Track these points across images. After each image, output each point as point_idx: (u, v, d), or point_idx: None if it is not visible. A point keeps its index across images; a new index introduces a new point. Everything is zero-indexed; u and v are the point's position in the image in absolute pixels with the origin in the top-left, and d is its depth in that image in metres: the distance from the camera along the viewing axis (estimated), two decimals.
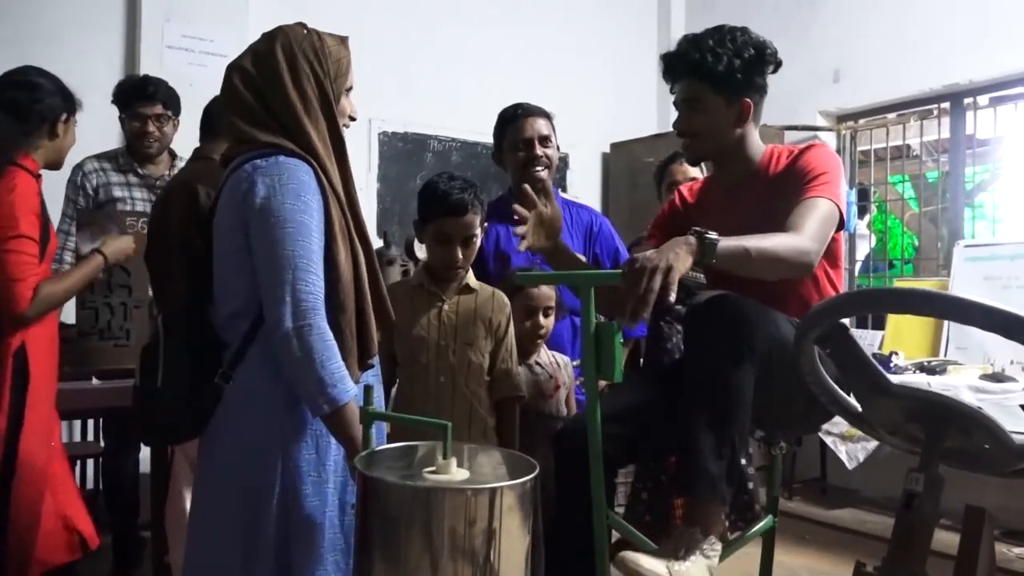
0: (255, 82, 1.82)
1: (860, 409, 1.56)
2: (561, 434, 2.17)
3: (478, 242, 2.46)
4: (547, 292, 2.61)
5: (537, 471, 1.47)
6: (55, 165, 2.63)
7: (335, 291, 1.75)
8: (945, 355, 4.14)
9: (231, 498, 1.76)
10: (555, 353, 2.73)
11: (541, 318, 2.62)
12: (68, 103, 2.64)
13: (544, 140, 2.92)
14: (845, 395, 1.63)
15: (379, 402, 1.98)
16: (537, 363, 2.66)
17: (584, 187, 5.93)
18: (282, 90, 1.80)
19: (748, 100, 2.11)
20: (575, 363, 2.78)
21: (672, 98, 2.20)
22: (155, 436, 2.05)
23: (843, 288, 2.19)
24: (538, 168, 2.91)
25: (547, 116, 2.98)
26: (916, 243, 7.01)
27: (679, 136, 2.19)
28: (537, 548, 2.44)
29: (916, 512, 1.41)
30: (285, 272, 1.68)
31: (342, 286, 1.76)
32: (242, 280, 1.77)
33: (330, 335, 1.70)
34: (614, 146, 6.00)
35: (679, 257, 1.70)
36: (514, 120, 2.96)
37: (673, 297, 1.67)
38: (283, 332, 1.67)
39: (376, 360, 1.93)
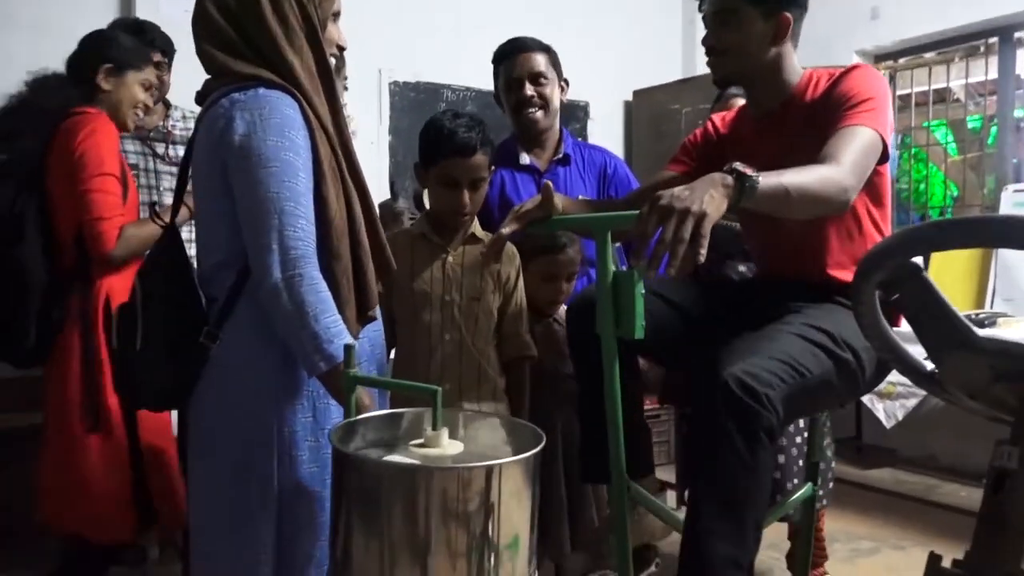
0: (230, 7, 1.63)
1: (932, 368, 1.32)
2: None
3: (486, 186, 2.23)
4: (572, 257, 2.40)
5: (542, 443, 1.26)
6: (117, 122, 2.45)
7: (327, 237, 1.59)
8: (991, 307, 3.88)
9: (225, 466, 1.62)
10: None
11: (563, 284, 2.40)
12: (112, 54, 2.48)
13: (536, 77, 2.66)
14: (904, 348, 1.38)
15: (372, 364, 1.79)
16: (554, 319, 2.45)
17: (606, 138, 5.64)
18: (260, 16, 1.62)
19: (788, 14, 1.85)
20: None
21: (699, 39, 1.95)
22: (137, 402, 1.88)
23: (890, 229, 1.94)
24: (531, 110, 2.67)
25: (545, 50, 2.71)
26: (955, 193, 6.69)
27: (707, 54, 1.92)
28: (560, 520, 2.25)
29: (1009, 495, 1.17)
30: (270, 217, 1.52)
31: (334, 231, 1.60)
32: (224, 228, 1.61)
33: (324, 286, 1.54)
34: (637, 94, 5.71)
35: (714, 201, 1.42)
36: (507, 57, 2.70)
37: (703, 257, 1.41)
38: (271, 284, 1.51)
39: (378, 313, 1.76)
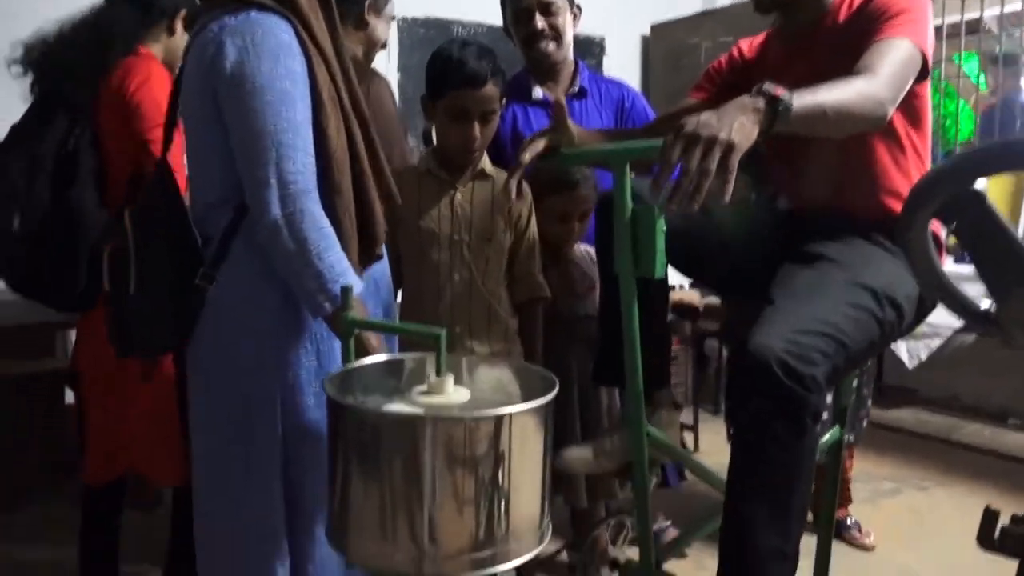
0: None
1: (987, 306, 1.20)
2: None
3: (497, 119, 2.12)
4: (586, 194, 2.28)
5: (555, 389, 1.17)
6: (170, 66, 2.34)
7: (328, 170, 1.50)
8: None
9: (226, 414, 1.54)
10: (588, 247, 2.40)
11: (577, 223, 2.30)
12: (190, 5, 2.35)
13: (546, 7, 2.51)
14: (955, 286, 1.27)
15: (379, 304, 1.70)
16: (569, 259, 2.35)
17: (622, 75, 5.47)
18: None
19: None
20: None
21: None
22: (131, 349, 1.80)
23: (929, 156, 1.81)
24: (542, 43, 2.53)
25: None
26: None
27: None
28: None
29: None
30: (267, 150, 1.42)
31: (335, 163, 1.50)
32: (218, 162, 1.51)
33: (326, 222, 1.46)
34: (655, 28, 5.52)
35: (744, 129, 1.30)
36: None
37: (728, 196, 1.31)
38: (270, 221, 1.42)
39: (384, 251, 1.67)
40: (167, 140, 1.65)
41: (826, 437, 2.00)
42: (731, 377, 1.52)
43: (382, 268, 1.73)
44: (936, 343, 3.66)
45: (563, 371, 2.19)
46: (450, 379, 1.18)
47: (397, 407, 1.22)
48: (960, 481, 3.48)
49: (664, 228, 1.56)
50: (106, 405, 2.22)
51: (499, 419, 1.09)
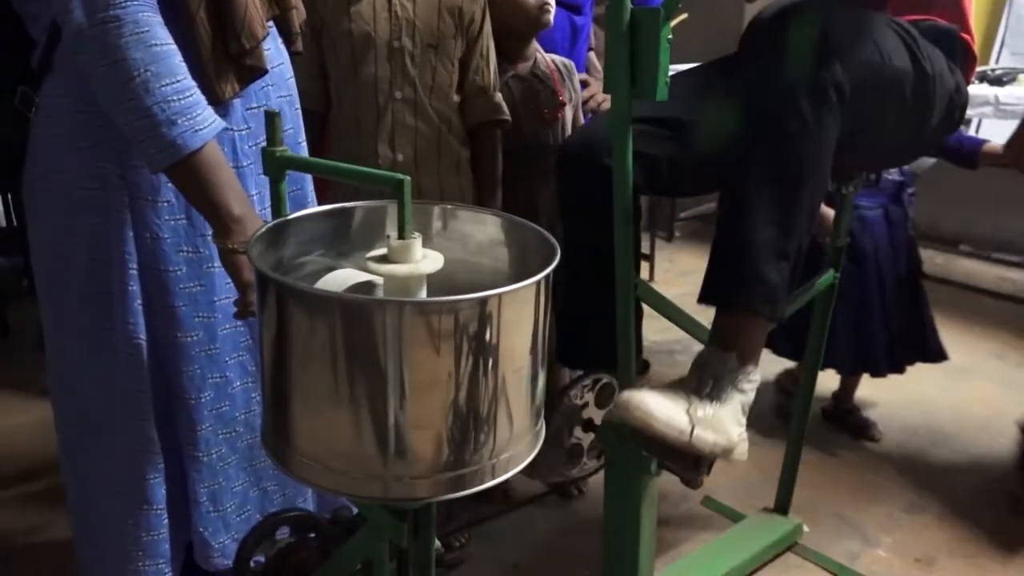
0: None
1: None
2: (566, 148, 1.59)
3: None
4: None
5: (556, 259, 0.88)
6: None
7: None
8: (998, 62, 3.50)
9: (70, 281, 1.20)
10: (555, 57, 2.03)
11: (537, 10, 1.88)
12: None
13: None
14: None
15: (297, 145, 1.35)
16: (533, 73, 1.98)
17: None
18: None
19: None
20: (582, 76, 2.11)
21: None
22: None
23: None
24: None
25: None
26: None
27: None
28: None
29: None
30: None
31: None
32: None
33: (160, 32, 1.03)
34: None
35: None
36: None
37: None
38: (74, 31, 1.00)
39: (279, 56, 1.27)
40: None
41: (820, 281, 1.80)
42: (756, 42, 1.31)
43: (284, 91, 1.32)
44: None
45: (529, 213, 1.89)
46: (417, 242, 0.87)
47: (346, 277, 0.92)
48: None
49: (670, 37, 1.24)
50: None
51: (483, 302, 0.80)
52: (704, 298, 1.27)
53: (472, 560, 1.91)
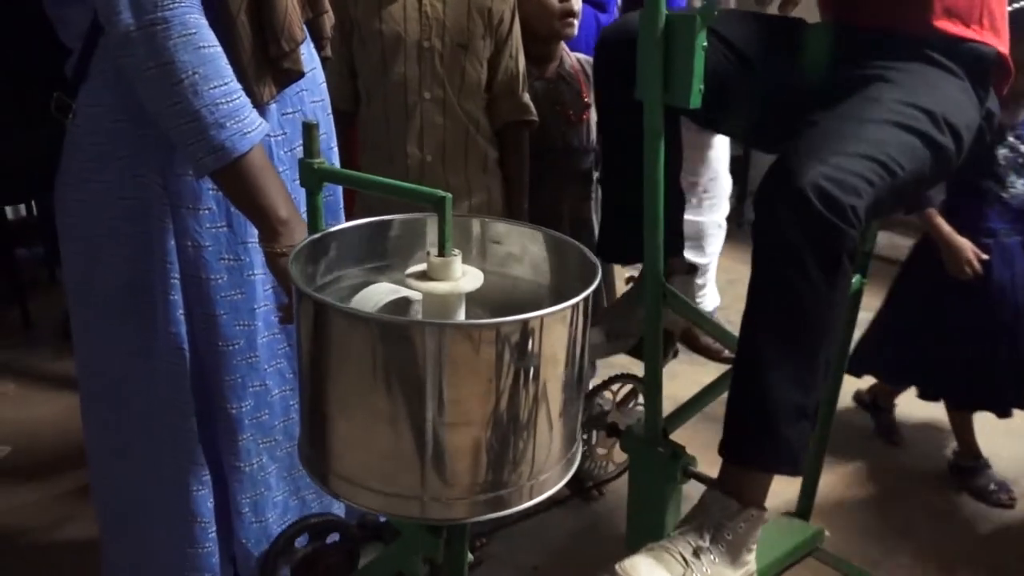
0: None
1: None
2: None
3: None
4: None
5: (598, 278, 0.87)
6: None
7: None
8: None
9: (109, 290, 1.18)
10: (581, 56, 2.02)
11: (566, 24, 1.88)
12: None
13: None
14: None
15: (329, 150, 1.34)
16: (558, 74, 1.96)
17: None
18: None
19: None
20: None
21: None
22: None
23: None
24: None
25: None
26: None
27: None
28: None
29: None
30: None
31: None
32: None
33: (207, 35, 1.03)
34: None
35: None
36: None
37: None
38: (119, 34, 0.99)
39: (312, 60, 1.25)
40: None
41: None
42: (759, 201, 1.23)
43: (317, 97, 1.30)
44: None
45: (553, 215, 1.90)
46: (457, 260, 0.86)
47: (383, 292, 0.92)
48: None
49: (705, 44, 1.22)
50: None
51: (525, 324, 0.79)
52: (726, 455, 1.23)
53: (491, 561, 1.91)
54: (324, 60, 1.33)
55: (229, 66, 1.04)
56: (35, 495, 2.12)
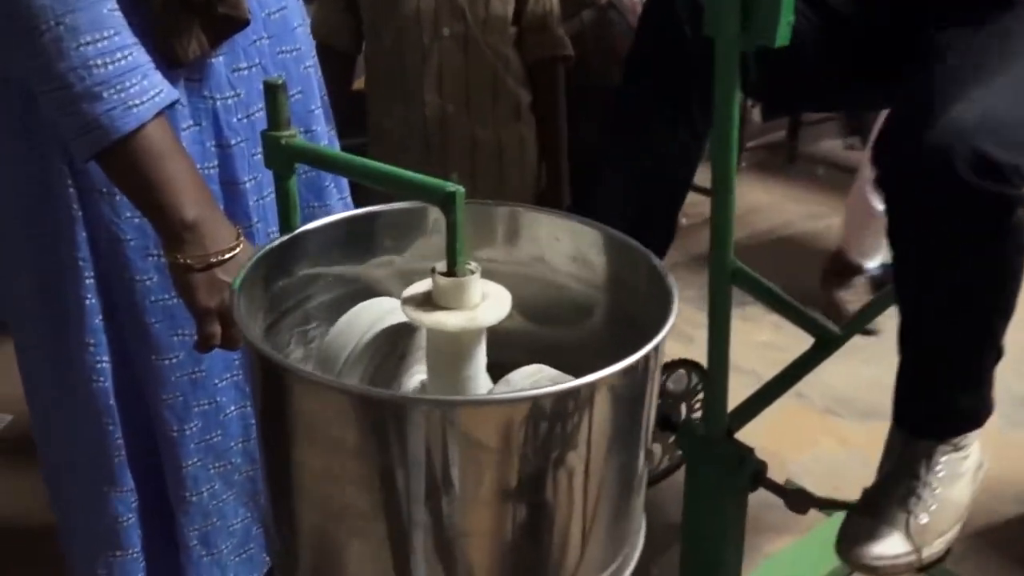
0: None
1: None
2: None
3: None
4: None
5: (674, 311, 0.62)
6: None
7: None
8: None
9: (23, 294, 0.99)
10: None
11: None
12: None
13: None
14: None
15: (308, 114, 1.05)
16: (610, 2, 1.74)
17: None
18: None
19: None
20: None
21: None
22: None
23: None
24: None
25: None
26: None
27: None
28: None
29: None
30: None
31: None
32: None
33: None
34: None
35: None
36: None
37: None
38: None
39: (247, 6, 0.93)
40: None
41: None
42: (886, 164, 1.01)
43: (285, 48, 1.00)
44: None
45: (582, 164, 1.66)
46: (474, 280, 0.62)
47: (373, 317, 0.67)
48: None
49: None
50: None
51: (563, 397, 0.55)
52: (901, 425, 1.12)
53: None
54: None
55: (114, 13, 0.76)
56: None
